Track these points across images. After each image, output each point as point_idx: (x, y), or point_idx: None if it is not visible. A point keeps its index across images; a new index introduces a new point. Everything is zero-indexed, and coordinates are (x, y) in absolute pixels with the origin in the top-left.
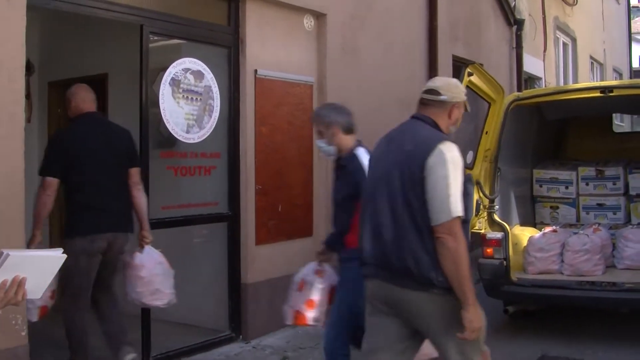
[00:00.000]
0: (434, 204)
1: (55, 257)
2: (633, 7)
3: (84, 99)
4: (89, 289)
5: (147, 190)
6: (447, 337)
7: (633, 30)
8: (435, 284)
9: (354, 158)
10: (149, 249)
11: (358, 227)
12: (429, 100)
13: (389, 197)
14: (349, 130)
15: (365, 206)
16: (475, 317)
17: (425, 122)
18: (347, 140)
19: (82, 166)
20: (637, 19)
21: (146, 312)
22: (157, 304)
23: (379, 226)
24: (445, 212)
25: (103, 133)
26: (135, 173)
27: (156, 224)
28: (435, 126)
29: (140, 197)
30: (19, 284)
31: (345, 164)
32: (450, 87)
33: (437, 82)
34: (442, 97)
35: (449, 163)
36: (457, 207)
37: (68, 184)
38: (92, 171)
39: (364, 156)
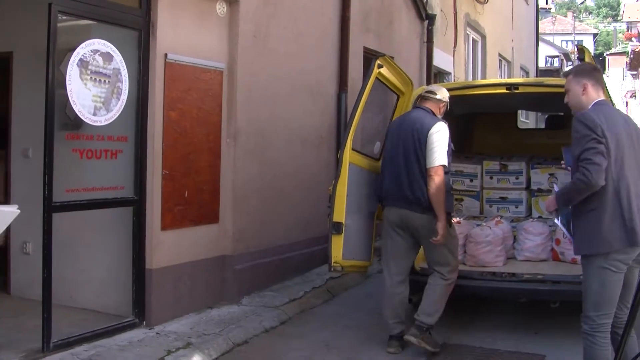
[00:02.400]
0: (429, 156)
1: (9, 212)
2: (541, 8)
3: None
4: None
5: (51, 172)
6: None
7: (540, 30)
8: (431, 209)
9: None
10: None
11: (381, 174)
12: (429, 97)
13: (404, 155)
14: None
15: (387, 162)
16: (442, 227)
17: (426, 112)
18: None
19: None
20: (544, 20)
21: (47, 297)
22: None
23: (399, 173)
24: (435, 160)
25: None
26: None
27: (60, 207)
28: (432, 114)
29: None
30: None
31: None
32: (442, 91)
33: (434, 87)
34: (437, 96)
35: (439, 133)
36: (440, 159)
37: None
38: None
39: None
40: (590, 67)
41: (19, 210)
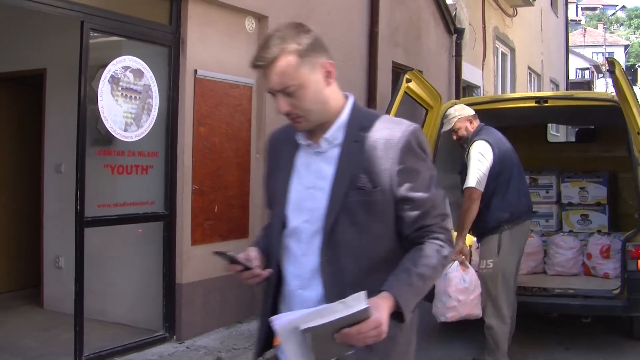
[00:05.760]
0: None
1: None
2: (571, 20)
3: None
4: None
5: (82, 188)
6: None
7: (570, 43)
8: None
9: None
10: None
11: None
12: None
13: (518, 169)
14: None
15: (506, 178)
16: None
17: None
18: None
19: None
20: (574, 32)
21: (79, 310)
22: None
23: (521, 185)
24: None
25: None
26: None
27: (91, 222)
28: None
29: None
30: None
31: None
32: None
33: None
34: None
35: None
36: None
37: None
38: None
39: None
40: None
41: None
